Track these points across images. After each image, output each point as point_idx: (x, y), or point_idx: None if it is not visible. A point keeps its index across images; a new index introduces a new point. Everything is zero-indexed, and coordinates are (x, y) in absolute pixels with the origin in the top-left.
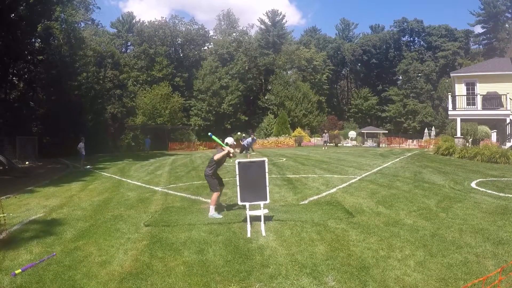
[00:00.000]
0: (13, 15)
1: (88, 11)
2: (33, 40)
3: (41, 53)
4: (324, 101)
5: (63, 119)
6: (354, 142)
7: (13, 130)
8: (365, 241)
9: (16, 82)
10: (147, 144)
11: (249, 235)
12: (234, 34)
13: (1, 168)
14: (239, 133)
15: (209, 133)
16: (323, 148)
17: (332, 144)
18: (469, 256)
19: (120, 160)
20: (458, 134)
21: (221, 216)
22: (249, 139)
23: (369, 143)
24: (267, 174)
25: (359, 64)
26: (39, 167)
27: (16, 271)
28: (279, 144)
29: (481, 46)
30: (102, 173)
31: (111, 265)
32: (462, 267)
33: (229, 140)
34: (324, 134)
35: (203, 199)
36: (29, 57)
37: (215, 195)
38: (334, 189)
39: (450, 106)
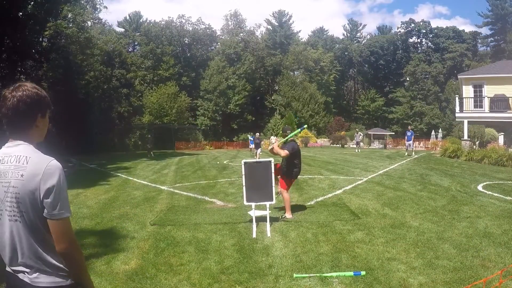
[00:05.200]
0: (21, 13)
1: (95, 10)
2: (41, 39)
3: (49, 52)
4: (331, 102)
5: (70, 118)
6: (361, 144)
7: None
8: (371, 243)
9: (24, 81)
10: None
11: (254, 235)
12: (241, 34)
13: None
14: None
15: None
16: (356, 151)
17: (365, 146)
18: (475, 260)
19: (129, 159)
20: (465, 137)
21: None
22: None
23: (376, 144)
24: (273, 174)
25: (366, 65)
26: None
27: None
28: None
29: (488, 48)
30: (109, 171)
31: (116, 263)
32: (467, 270)
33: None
34: (356, 134)
35: (209, 199)
36: (37, 56)
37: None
38: (340, 191)
39: (457, 108)
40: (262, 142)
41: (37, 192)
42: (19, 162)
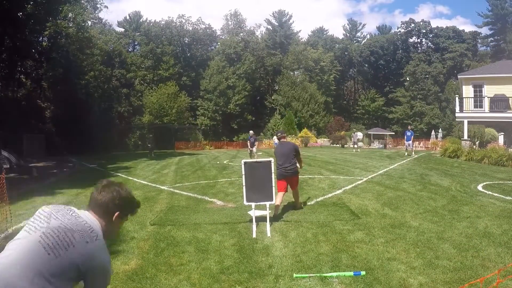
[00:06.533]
0: (21, 13)
1: (95, 9)
2: (41, 38)
3: (49, 51)
4: (331, 102)
5: (70, 118)
6: (361, 144)
7: (20, 128)
8: (371, 243)
9: (24, 80)
10: None
11: (254, 235)
12: (241, 34)
13: (8, 166)
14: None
15: None
16: (354, 150)
17: (365, 146)
18: (475, 260)
19: (129, 159)
20: (465, 137)
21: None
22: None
23: (376, 144)
24: (273, 174)
25: (366, 65)
26: (46, 165)
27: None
28: None
29: (488, 48)
30: (109, 171)
31: (116, 263)
32: (467, 270)
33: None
34: (353, 134)
35: (209, 199)
36: (37, 56)
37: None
38: (340, 191)
39: (457, 108)
40: (256, 142)
41: (81, 260)
42: (85, 224)
